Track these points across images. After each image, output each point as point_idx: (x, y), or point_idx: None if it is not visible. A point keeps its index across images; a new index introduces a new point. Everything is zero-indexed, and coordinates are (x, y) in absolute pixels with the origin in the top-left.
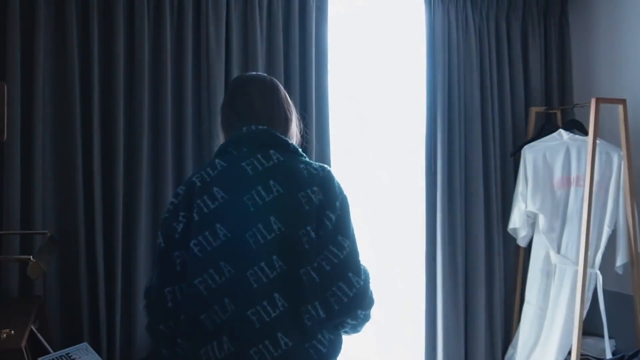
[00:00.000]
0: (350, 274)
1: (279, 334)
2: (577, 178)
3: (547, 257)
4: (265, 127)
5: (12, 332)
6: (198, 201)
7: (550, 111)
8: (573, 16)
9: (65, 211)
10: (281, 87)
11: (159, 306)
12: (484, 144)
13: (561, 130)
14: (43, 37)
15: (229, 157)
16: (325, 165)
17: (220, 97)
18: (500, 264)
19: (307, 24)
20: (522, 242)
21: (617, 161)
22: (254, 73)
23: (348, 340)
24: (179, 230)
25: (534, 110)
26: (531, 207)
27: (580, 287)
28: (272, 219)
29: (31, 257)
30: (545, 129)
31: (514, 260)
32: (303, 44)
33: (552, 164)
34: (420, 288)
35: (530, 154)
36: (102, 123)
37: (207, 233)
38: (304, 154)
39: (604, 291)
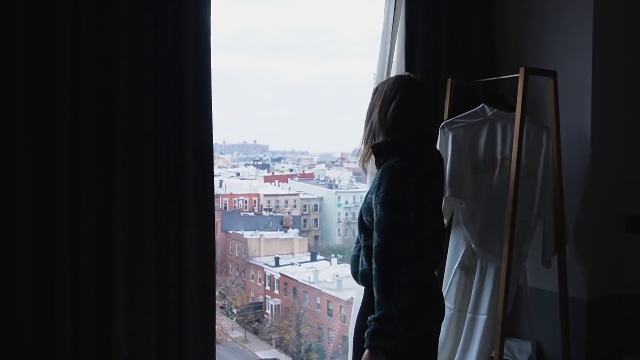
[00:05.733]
0: None
1: None
2: (503, 160)
3: (468, 252)
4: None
5: None
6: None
7: (472, 83)
8: None
9: None
10: None
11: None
12: None
13: (484, 105)
14: None
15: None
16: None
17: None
18: None
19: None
20: None
21: (546, 141)
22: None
23: None
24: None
25: (452, 81)
26: (449, 193)
27: (504, 284)
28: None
29: None
30: (465, 103)
31: None
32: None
33: (474, 143)
34: None
35: (450, 132)
36: None
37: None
38: None
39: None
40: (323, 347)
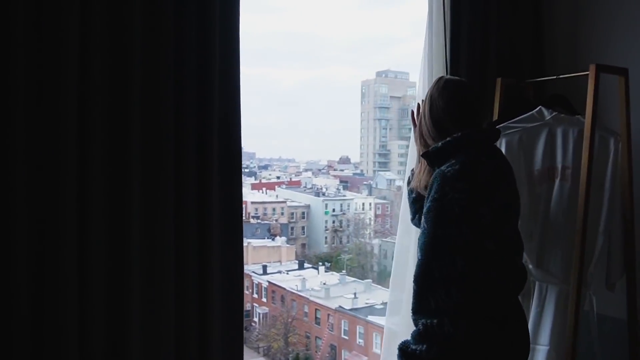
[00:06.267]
0: None
1: None
2: (564, 169)
3: None
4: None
5: None
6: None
7: (523, 83)
8: None
9: None
10: None
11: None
12: None
13: (542, 108)
14: None
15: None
16: None
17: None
18: None
19: None
20: None
21: (614, 147)
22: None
23: None
24: None
25: (502, 81)
26: None
27: (574, 312)
28: None
29: None
30: (517, 105)
31: None
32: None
33: (531, 150)
34: None
35: (504, 138)
36: None
37: None
38: None
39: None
40: (311, 356)
